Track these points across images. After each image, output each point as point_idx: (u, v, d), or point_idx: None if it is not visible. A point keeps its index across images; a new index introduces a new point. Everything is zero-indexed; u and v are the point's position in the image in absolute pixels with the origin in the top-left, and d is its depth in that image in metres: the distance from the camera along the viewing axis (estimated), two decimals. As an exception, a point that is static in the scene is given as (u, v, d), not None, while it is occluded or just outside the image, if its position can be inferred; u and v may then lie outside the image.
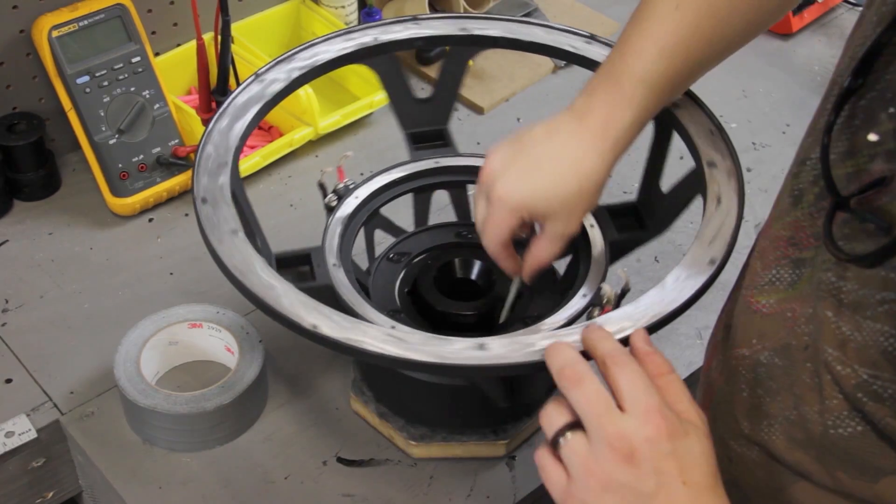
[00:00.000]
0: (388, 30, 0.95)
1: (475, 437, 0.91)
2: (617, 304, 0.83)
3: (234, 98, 0.89)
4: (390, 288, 0.93)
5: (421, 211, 1.00)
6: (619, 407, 0.60)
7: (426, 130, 0.99)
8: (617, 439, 0.59)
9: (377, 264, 0.95)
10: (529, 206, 0.79)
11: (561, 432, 0.61)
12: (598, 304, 0.84)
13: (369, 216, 0.94)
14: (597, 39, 0.97)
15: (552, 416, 0.62)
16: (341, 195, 0.93)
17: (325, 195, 0.94)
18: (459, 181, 0.99)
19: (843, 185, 0.57)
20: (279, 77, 0.91)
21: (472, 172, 0.96)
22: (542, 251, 0.83)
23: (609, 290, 0.83)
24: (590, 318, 0.83)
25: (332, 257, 0.87)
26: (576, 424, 0.61)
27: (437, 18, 0.97)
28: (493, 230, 0.82)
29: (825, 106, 0.62)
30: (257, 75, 0.90)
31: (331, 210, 0.93)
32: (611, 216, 0.92)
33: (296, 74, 0.91)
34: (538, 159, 0.79)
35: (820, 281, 0.59)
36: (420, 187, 0.98)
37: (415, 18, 0.96)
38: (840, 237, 0.57)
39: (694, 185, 0.87)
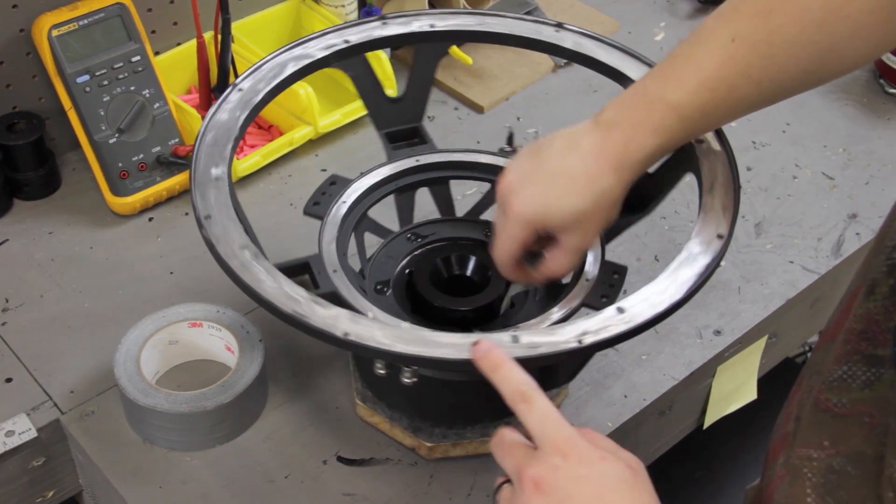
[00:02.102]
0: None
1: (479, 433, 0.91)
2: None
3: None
4: (392, 263, 0.93)
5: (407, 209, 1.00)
6: (533, 447, 0.61)
7: (402, 129, 0.99)
8: (527, 473, 0.60)
9: (391, 238, 0.95)
10: (544, 220, 0.79)
11: (496, 490, 0.63)
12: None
13: (358, 219, 0.94)
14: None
15: (496, 483, 0.64)
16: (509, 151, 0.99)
17: (509, 142, 1.02)
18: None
19: None
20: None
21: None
22: (557, 263, 0.83)
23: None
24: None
25: (331, 265, 0.87)
26: (508, 480, 0.63)
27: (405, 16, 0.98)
28: (504, 243, 0.82)
29: None
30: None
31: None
32: None
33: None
34: (555, 174, 0.78)
35: None
36: (404, 186, 0.98)
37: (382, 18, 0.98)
38: None
39: (681, 163, 0.88)
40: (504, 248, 0.82)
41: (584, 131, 0.79)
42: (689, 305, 0.81)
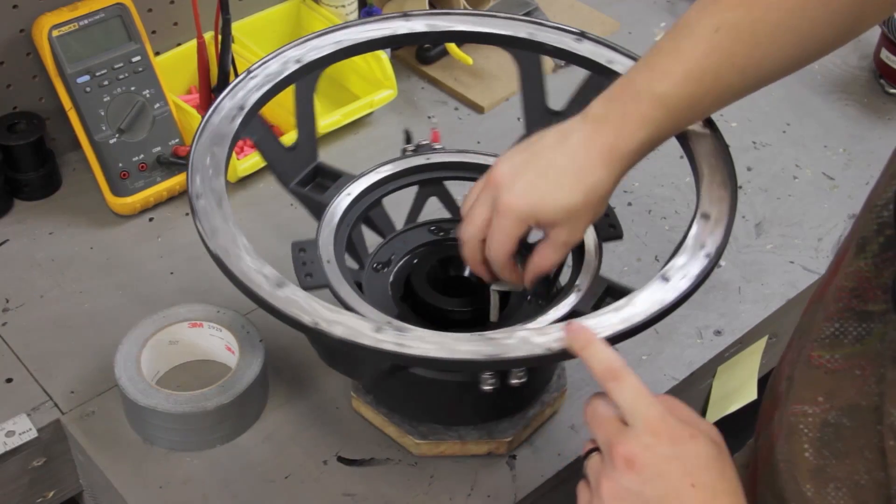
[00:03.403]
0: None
1: (479, 434, 0.91)
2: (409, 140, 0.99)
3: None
4: (384, 298, 0.92)
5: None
6: (625, 422, 0.63)
7: (307, 173, 0.97)
8: (619, 449, 0.62)
9: (364, 276, 0.94)
10: (536, 214, 0.79)
11: (586, 455, 0.65)
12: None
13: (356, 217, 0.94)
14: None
15: (585, 447, 0.66)
16: (417, 150, 0.98)
17: (407, 141, 1.00)
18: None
19: None
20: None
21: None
22: (545, 258, 0.82)
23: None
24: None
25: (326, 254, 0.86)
26: (597, 448, 0.65)
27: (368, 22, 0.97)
28: (500, 240, 0.81)
29: None
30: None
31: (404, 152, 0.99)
32: None
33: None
34: (545, 168, 0.78)
35: (892, 339, 0.57)
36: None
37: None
38: None
39: None
40: (500, 245, 0.81)
41: (573, 126, 0.79)
42: (690, 305, 0.81)
